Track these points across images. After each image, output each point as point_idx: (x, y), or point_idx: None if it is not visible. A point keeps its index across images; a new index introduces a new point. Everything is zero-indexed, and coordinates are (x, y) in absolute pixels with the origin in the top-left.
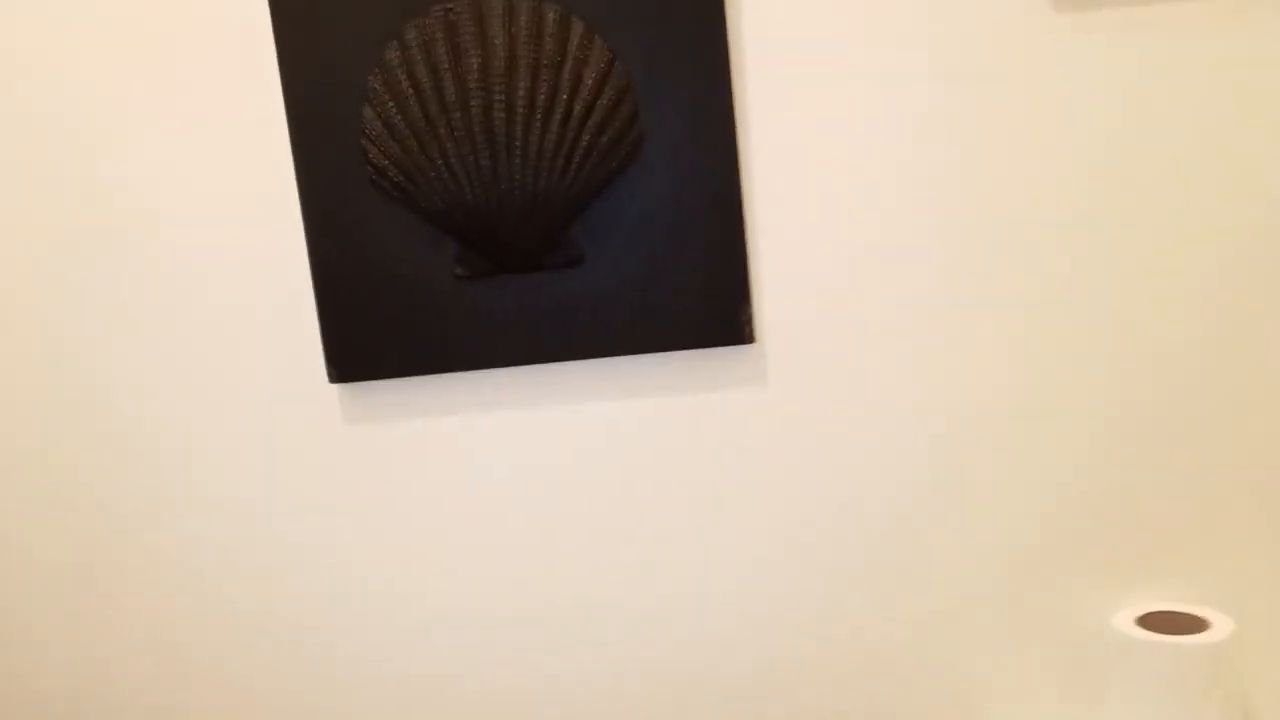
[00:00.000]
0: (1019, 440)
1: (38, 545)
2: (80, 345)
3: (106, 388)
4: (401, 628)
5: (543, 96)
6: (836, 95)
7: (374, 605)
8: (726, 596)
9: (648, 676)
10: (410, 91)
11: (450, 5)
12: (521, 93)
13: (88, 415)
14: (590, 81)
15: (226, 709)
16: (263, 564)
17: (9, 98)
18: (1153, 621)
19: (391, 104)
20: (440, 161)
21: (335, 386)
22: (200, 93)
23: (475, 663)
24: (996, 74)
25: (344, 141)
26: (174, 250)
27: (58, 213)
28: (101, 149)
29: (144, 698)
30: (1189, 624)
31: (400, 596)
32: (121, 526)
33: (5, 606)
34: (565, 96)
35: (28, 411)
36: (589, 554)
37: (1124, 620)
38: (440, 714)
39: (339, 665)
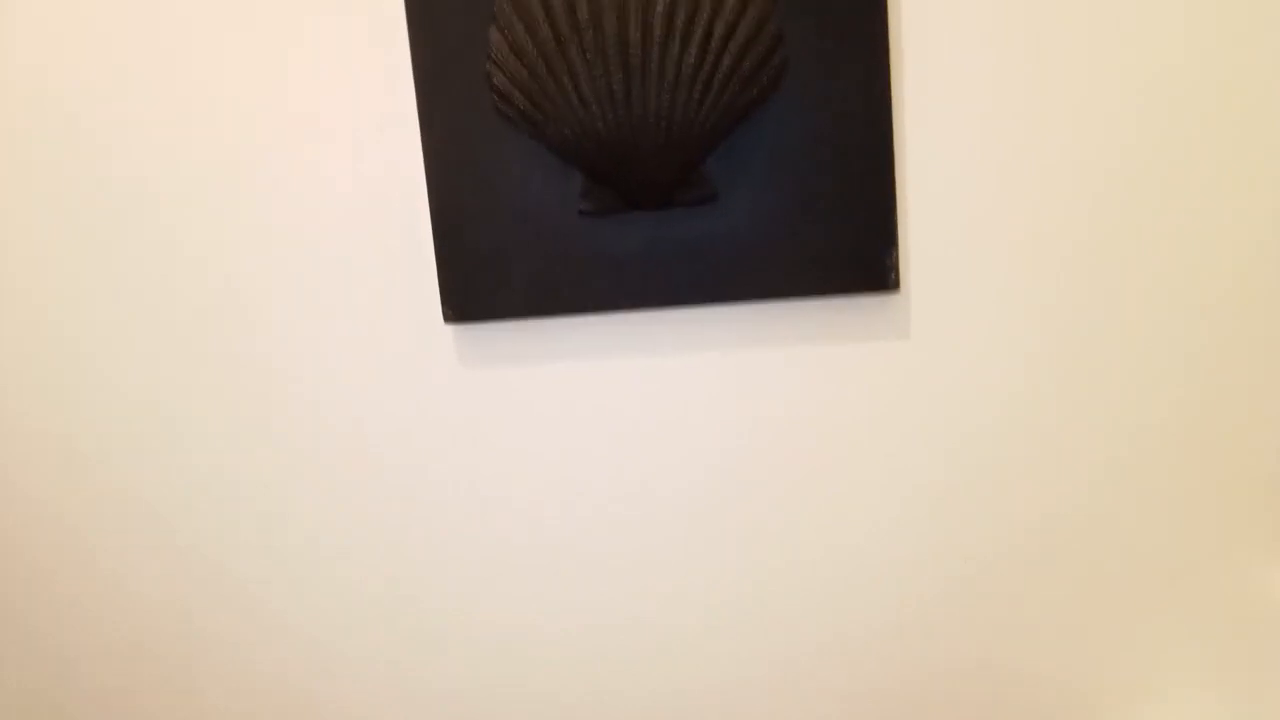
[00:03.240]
0: (1197, 401)
1: (125, 479)
2: (180, 269)
3: (213, 314)
4: (517, 577)
5: (682, 16)
6: (1002, 19)
7: (489, 553)
8: (861, 560)
9: (776, 632)
10: (540, 11)
11: None
12: (660, 10)
13: (181, 348)
14: None
15: (334, 650)
16: (374, 512)
17: (104, 6)
18: None
19: (520, 24)
20: (570, 86)
21: (451, 327)
22: (318, 11)
23: (591, 612)
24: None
25: (468, 66)
26: (282, 178)
27: (159, 136)
28: (213, 67)
29: (230, 638)
30: None
31: (519, 546)
32: (219, 466)
33: (91, 541)
34: (706, 15)
35: (117, 342)
36: (710, 507)
37: None
38: (559, 659)
39: (448, 604)
